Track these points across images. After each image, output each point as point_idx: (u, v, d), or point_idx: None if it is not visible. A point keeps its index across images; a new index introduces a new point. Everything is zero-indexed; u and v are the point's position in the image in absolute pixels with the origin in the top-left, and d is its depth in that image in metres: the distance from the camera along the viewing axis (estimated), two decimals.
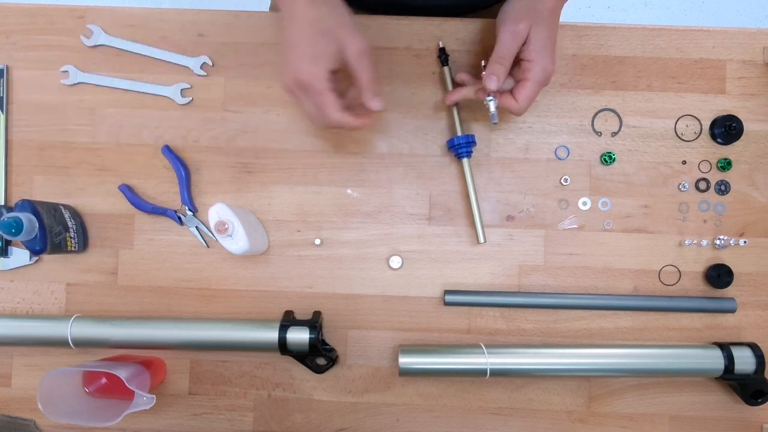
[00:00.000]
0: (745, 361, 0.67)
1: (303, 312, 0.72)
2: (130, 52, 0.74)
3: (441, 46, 0.71)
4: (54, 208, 0.68)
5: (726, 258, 0.72)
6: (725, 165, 0.72)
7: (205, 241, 0.73)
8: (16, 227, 0.62)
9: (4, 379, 0.73)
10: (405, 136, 0.73)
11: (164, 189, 0.73)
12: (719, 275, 0.71)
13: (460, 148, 0.70)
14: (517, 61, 0.63)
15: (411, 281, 0.73)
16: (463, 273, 0.72)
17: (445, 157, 0.73)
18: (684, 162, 0.73)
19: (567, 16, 0.67)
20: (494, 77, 0.62)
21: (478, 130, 0.73)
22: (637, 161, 0.73)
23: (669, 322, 0.72)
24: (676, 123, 0.73)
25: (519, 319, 0.72)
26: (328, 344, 0.71)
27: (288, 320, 0.68)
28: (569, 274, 0.72)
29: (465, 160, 0.70)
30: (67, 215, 0.70)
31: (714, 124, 0.72)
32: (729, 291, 0.72)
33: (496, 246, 0.72)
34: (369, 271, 0.73)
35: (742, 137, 0.72)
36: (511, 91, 0.64)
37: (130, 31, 0.74)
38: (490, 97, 0.64)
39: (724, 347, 0.68)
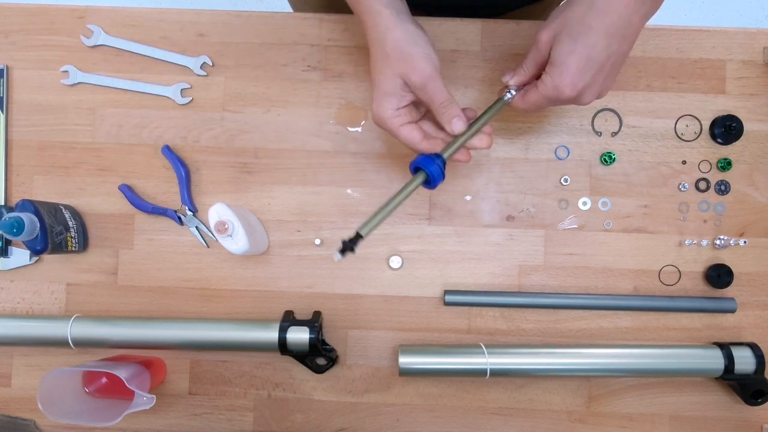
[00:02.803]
0: (745, 361, 0.67)
1: (303, 312, 0.72)
2: (130, 52, 0.74)
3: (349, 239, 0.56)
4: (54, 208, 0.68)
5: (726, 258, 0.72)
6: (725, 165, 0.72)
7: (205, 241, 0.73)
8: (18, 227, 0.62)
9: (4, 379, 0.73)
10: None
11: (164, 189, 0.73)
12: (719, 275, 0.71)
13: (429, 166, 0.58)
14: None
15: (411, 281, 0.73)
16: (463, 273, 0.72)
17: None
18: (684, 162, 0.73)
19: None
20: (510, 73, 0.60)
21: None
22: (637, 161, 0.73)
23: (669, 322, 0.72)
24: (676, 123, 0.73)
25: (519, 319, 0.72)
26: (328, 344, 0.71)
27: (288, 320, 0.68)
28: (569, 274, 0.72)
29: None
30: (67, 215, 0.70)
31: (714, 124, 0.72)
32: (729, 291, 0.72)
33: (496, 246, 0.72)
34: (369, 271, 0.73)
35: (742, 137, 0.72)
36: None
37: (130, 31, 0.74)
38: (508, 92, 0.60)
39: (724, 347, 0.68)
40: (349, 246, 0.55)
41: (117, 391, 0.69)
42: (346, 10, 0.63)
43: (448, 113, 0.56)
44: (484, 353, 0.67)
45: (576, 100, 0.56)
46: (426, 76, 0.55)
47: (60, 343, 0.69)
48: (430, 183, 0.58)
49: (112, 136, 0.74)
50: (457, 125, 0.57)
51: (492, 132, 0.61)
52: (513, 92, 0.60)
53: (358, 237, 0.55)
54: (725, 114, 0.72)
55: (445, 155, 0.58)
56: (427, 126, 0.60)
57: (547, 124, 0.73)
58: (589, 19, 0.51)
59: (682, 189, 0.72)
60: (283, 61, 0.73)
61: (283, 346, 0.67)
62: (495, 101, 0.61)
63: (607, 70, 0.54)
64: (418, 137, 0.58)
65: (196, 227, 0.73)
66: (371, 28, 0.56)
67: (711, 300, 0.71)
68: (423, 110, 0.61)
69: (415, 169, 0.59)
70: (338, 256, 0.55)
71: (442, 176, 0.58)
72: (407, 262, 0.73)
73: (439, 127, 0.60)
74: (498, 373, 0.67)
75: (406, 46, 0.55)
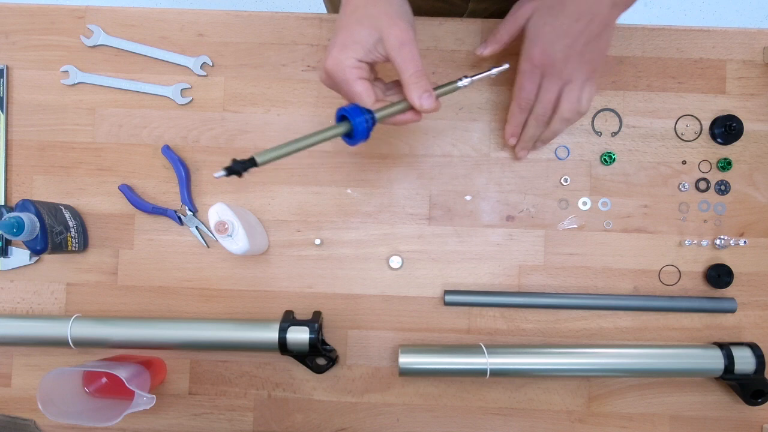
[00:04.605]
0: (745, 361, 0.67)
1: (303, 312, 0.72)
2: (130, 52, 0.74)
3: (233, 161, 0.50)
4: (54, 208, 0.68)
5: (726, 258, 0.72)
6: (725, 165, 0.72)
7: (205, 241, 0.73)
8: (18, 227, 0.62)
9: (4, 379, 0.73)
10: (405, 136, 0.73)
11: (164, 189, 0.73)
12: (719, 275, 0.71)
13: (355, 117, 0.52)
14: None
15: (411, 281, 0.73)
16: (463, 273, 0.72)
17: (446, 157, 0.73)
18: (684, 162, 0.73)
19: None
20: (482, 46, 0.62)
21: (477, 129, 0.73)
22: (637, 161, 0.73)
23: (669, 322, 0.72)
24: (676, 123, 0.73)
25: (519, 319, 0.72)
26: (328, 344, 0.71)
27: (288, 320, 0.68)
28: (569, 274, 0.72)
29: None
30: (67, 215, 0.70)
31: (714, 124, 0.72)
32: (729, 291, 0.72)
33: (496, 246, 0.73)
34: (369, 271, 0.73)
35: (742, 137, 0.72)
36: None
37: (130, 31, 0.74)
38: (461, 80, 0.58)
39: (724, 347, 0.68)
40: (237, 168, 0.49)
41: (117, 391, 0.69)
42: None
43: (420, 86, 0.53)
44: (484, 353, 0.67)
45: (553, 71, 0.58)
46: (407, 37, 0.52)
47: (60, 343, 0.69)
48: (352, 138, 0.53)
49: (112, 136, 0.74)
50: (427, 101, 0.53)
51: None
52: (465, 81, 0.58)
53: (251, 162, 0.49)
54: (725, 114, 0.72)
55: (378, 115, 0.53)
56: (379, 91, 0.56)
57: None
58: None
59: (682, 189, 0.72)
60: (283, 61, 0.73)
61: (283, 346, 0.67)
62: (448, 83, 0.58)
63: (579, 48, 0.57)
64: (372, 98, 0.53)
65: (196, 227, 0.73)
66: None
67: (711, 300, 0.71)
68: (373, 77, 0.57)
69: (341, 117, 0.53)
70: (221, 173, 0.48)
71: (366, 134, 0.53)
72: (407, 262, 0.73)
73: (394, 95, 0.57)
74: (498, 373, 0.67)
75: (394, 4, 0.53)
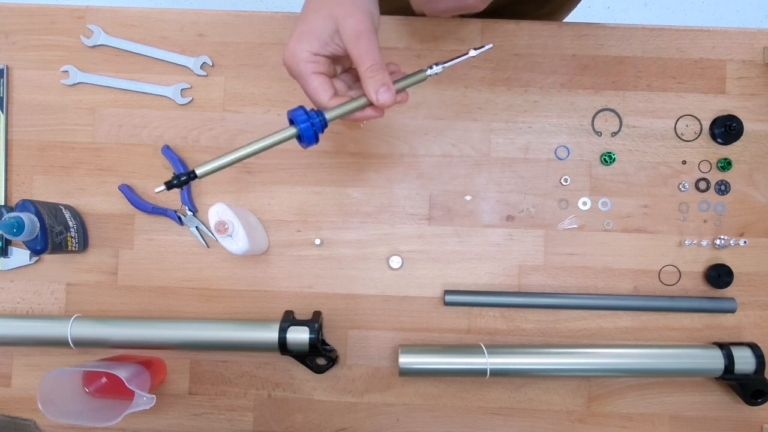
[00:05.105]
0: (745, 361, 0.67)
1: (303, 312, 0.72)
2: (130, 52, 0.74)
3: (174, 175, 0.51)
4: (54, 208, 0.68)
5: (726, 258, 0.72)
6: (725, 165, 0.72)
7: (205, 241, 0.73)
8: (18, 227, 0.62)
9: (4, 379, 0.73)
10: (405, 136, 0.73)
11: None
12: (719, 275, 0.71)
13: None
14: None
15: (411, 281, 0.73)
16: (463, 273, 0.72)
17: (446, 157, 0.73)
18: (684, 162, 0.73)
19: (567, 16, 0.67)
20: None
21: (477, 129, 0.73)
22: (637, 161, 0.73)
23: (669, 322, 0.72)
24: (676, 123, 0.73)
25: (519, 319, 0.72)
26: (328, 344, 0.71)
27: (288, 320, 0.68)
28: (569, 274, 0.72)
29: None
30: (67, 215, 0.70)
31: (714, 124, 0.72)
32: (729, 291, 0.72)
33: (496, 246, 0.73)
34: (369, 271, 0.73)
35: (742, 137, 0.72)
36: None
37: (130, 31, 0.74)
38: (431, 68, 0.54)
39: (724, 347, 0.68)
40: (177, 183, 0.49)
41: (117, 391, 0.69)
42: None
43: (377, 79, 0.49)
44: (484, 353, 0.67)
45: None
46: (364, 27, 0.49)
47: (60, 343, 0.69)
48: (303, 140, 0.51)
49: (112, 136, 0.74)
50: (384, 96, 0.50)
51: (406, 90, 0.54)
52: (437, 69, 0.53)
53: (192, 175, 0.49)
54: (725, 114, 0.72)
55: (330, 115, 0.51)
56: (340, 84, 0.54)
57: (547, 124, 0.73)
58: None
59: (682, 189, 0.72)
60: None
61: (283, 346, 0.67)
62: (415, 72, 0.54)
63: None
64: (328, 94, 0.51)
65: (196, 227, 0.73)
66: None
67: (711, 300, 0.71)
68: (339, 70, 0.55)
69: (291, 120, 0.51)
70: (161, 188, 0.49)
71: (315, 138, 0.51)
72: (407, 262, 0.73)
73: (359, 89, 0.53)
74: (498, 373, 0.67)
75: None
